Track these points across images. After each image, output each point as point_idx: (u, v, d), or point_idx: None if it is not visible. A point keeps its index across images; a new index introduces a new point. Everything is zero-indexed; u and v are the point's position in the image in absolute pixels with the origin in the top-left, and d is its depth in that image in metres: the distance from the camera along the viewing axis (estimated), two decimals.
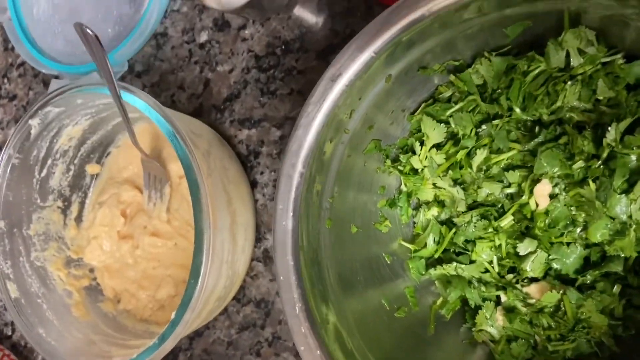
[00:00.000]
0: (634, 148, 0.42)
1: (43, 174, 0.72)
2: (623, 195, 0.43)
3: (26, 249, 0.71)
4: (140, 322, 0.73)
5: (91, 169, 0.77)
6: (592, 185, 0.44)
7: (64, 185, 0.75)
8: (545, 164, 0.45)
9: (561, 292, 0.49)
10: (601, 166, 0.44)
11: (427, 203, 0.56)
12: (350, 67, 0.42)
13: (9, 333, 0.89)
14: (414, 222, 0.58)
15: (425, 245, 0.56)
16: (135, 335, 0.71)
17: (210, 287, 0.59)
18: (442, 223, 0.55)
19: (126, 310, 0.74)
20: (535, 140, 0.47)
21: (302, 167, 0.44)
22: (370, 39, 0.42)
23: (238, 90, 0.73)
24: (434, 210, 0.55)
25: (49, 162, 0.71)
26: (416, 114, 0.53)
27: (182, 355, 0.76)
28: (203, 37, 0.75)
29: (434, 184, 0.53)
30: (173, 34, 0.78)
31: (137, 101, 0.58)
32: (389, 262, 0.56)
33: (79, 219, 0.77)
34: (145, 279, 0.74)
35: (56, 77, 0.86)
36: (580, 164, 0.44)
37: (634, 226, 0.43)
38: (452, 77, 0.50)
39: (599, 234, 0.45)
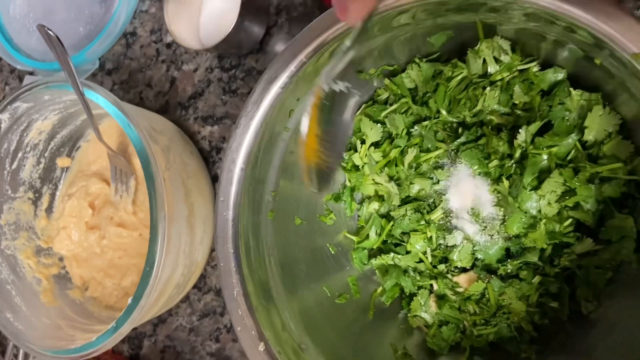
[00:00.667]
0: (544, 148, 0.46)
1: (14, 166, 0.75)
2: (533, 191, 0.47)
3: None
4: (105, 308, 0.77)
5: (61, 162, 0.80)
6: (506, 183, 0.48)
7: (34, 177, 0.78)
8: (463, 164, 0.49)
9: (486, 281, 0.53)
10: (514, 165, 0.48)
11: (369, 197, 0.59)
12: (285, 71, 0.46)
13: None
14: (358, 215, 0.62)
15: (367, 237, 0.60)
16: (100, 321, 0.74)
17: (166, 274, 0.63)
18: (382, 216, 0.59)
19: (93, 298, 0.78)
20: (459, 140, 0.51)
21: (242, 163, 0.48)
22: (303, 44, 0.45)
23: (202, 89, 0.77)
24: (375, 204, 0.59)
25: (20, 154, 0.75)
26: (357, 114, 0.57)
27: (146, 340, 0.79)
28: (170, 37, 0.78)
29: (373, 180, 0.57)
30: (142, 33, 0.81)
31: (99, 98, 0.62)
32: (333, 253, 0.60)
33: (49, 210, 0.80)
34: (112, 268, 0.77)
35: (31, 74, 0.89)
36: (495, 162, 0.48)
37: (543, 220, 0.47)
38: (386, 81, 0.54)
39: (515, 227, 0.49)
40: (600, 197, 0.46)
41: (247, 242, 0.49)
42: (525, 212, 0.47)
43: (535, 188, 0.47)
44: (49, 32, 0.56)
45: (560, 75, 0.47)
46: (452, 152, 0.52)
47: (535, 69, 0.48)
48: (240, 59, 0.74)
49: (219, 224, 0.48)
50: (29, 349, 0.66)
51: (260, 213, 0.51)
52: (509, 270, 0.53)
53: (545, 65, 0.49)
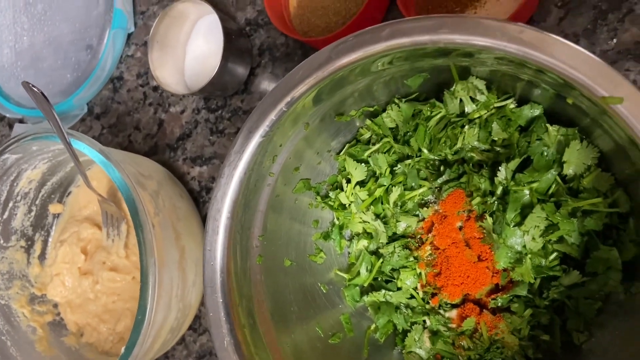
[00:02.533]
0: (525, 184, 0.47)
1: (5, 216, 0.75)
2: (516, 227, 0.47)
3: None
4: (101, 354, 0.76)
5: (54, 208, 0.80)
6: (489, 219, 0.48)
7: (26, 225, 0.78)
8: (447, 201, 0.49)
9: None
10: (496, 202, 0.48)
11: (358, 235, 0.60)
12: (265, 120, 0.46)
13: None
14: (349, 253, 0.62)
15: (358, 274, 0.60)
16: None
17: (159, 320, 0.63)
18: (372, 253, 0.59)
19: (88, 344, 0.78)
20: (442, 178, 0.51)
21: (228, 212, 0.48)
22: (281, 94, 0.46)
23: (190, 130, 0.77)
24: (364, 242, 0.59)
25: (11, 204, 0.75)
26: (341, 154, 0.58)
27: None
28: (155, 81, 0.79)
29: (360, 218, 0.57)
30: (128, 77, 0.82)
31: (85, 147, 0.62)
32: (324, 292, 0.60)
33: (42, 256, 0.81)
34: (106, 313, 0.77)
35: (21, 121, 0.90)
36: (477, 200, 0.49)
37: (529, 255, 0.48)
38: (368, 122, 0.55)
39: (501, 261, 0.49)
40: (584, 230, 0.46)
41: (236, 290, 0.49)
42: (511, 248, 0.48)
43: (519, 224, 0.47)
44: (34, 88, 0.57)
45: (537, 111, 0.48)
46: (436, 190, 0.53)
47: (512, 105, 0.49)
48: (226, 100, 0.75)
49: (207, 274, 0.48)
50: None
51: (249, 259, 0.52)
52: (499, 304, 0.53)
53: (521, 101, 0.49)
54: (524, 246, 0.47)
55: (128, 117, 0.82)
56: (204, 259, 0.48)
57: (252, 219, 0.52)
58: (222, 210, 0.48)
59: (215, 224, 0.48)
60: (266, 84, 0.72)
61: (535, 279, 0.50)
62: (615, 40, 0.54)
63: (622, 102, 0.35)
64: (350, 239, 0.62)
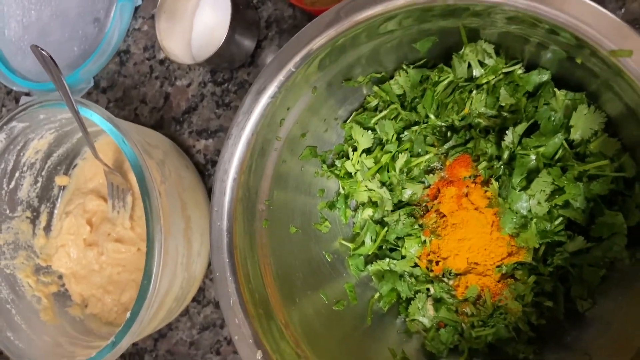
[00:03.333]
0: (531, 149, 0.47)
1: (11, 186, 0.76)
2: (522, 192, 0.47)
3: None
4: (105, 325, 0.77)
5: (60, 180, 0.81)
6: (495, 184, 0.49)
7: (32, 196, 0.79)
8: (453, 167, 0.49)
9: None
10: (502, 166, 0.49)
11: (363, 204, 0.60)
12: (273, 81, 0.47)
13: None
14: (353, 222, 0.62)
15: (363, 244, 0.60)
16: (100, 337, 0.74)
17: (164, 287, 0.63)
18: (376, 222, 0.59)
19: (93, 314, 0.78)
20: (448, 144, 0.52)
21: (235, 173, 0.49)
22: (290, 55, 0.46)
23: (196, 103, 0.77)
24: (369, 211, 0.59)
25: (17, 174, 0.75)
26: (347, 122, 0.58)
27: (147, 356, 0.79)
28: (162, 53, 0.80)
29: (366, 187, 0.57)
30: (135, 51, 0.82)
31: (93, 115, 0.62)
32: (329, 260, 0.60)
33: (47, 228, 0.81)
34: (111, 284, 0.77)
35: (27, 94, 0.90)
36: (484, 164, 0.49)
37: (534, 219, 0.48)
38: (375, 88, 0.55)
39: (507, 227, 0.49)
40: (589, 195, 0.46)
41: (242, 251, 0.50)
42: (516, 212, 0.48)
43: (525, 188, 0.47)
44: (43, 52, 0.57)
45: (545, 76, 0.48)
46: (443, 156, 0.53)
47: (520, 71, 0.49)
48: (232, 73, 0.75)
49: (213, 234, 0.49)
50: None
51: (255, 222, 0.52)
52: (503, 271, 0.53)
53: (529, 67, 0.50)
54: (530, 210, 0.47)
55: (134, 90, 0.82)
56: (210, 219, 0.49)
57: (258, 182, 0.52)
58: (230, 171, 0.49)
59: (222, 185, 0.49)
60: (272, 58, 0.72)
61: (540, 245, 0.50)
62: (623, 10, 0.54)
63: (631, 55, 0.35)
64: (355, 209, 0.62)
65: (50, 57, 0.58)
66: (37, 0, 0.88)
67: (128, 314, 0.60)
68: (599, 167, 0.45)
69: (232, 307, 0.48)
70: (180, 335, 0.77)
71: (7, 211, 0.76)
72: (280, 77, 0.46)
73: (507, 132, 0.47)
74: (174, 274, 0.65)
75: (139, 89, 0.81)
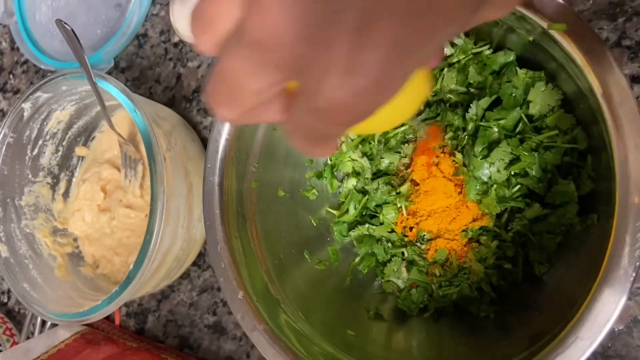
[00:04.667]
0: (493, 121, 0.52)
1: (35, 153, 0.83)
2: (484, 160, 0.52)
3: (17, 217, 0.82)
4: (113, 284, 0.84)
5: (79, 151, 0.88)
6: (459, 155, 0.54)
7: (53, 164, 0.86)
8: (424, 136, 0.55)
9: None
10: (467, 137, 0.54)
11: (348, 175, 0.65)
12: None
13: (5, 300, 1.00)
14: (339, 192, 0.68)
15: (347, 211, 0.65)
16: (108, 293, 0.81)
17: (165, 245, 0.69)
18: (359, 192, 0.65)
19: (103, 274, 0.85)
20: (420, 116, 0.57)
21: (227, 134, 0.55)
22: None
23: (205, 83, 0.84)
24: (353, 180, 0.64)
25: (40, 142, 0.83)
26: None
27: (150, 316, 0.86)
28: (177, 37, 0.86)
29: (350, 157, 0.63)
30: (152, 34, 0.89)
31: (109, 86, 0.69)
32: (315, 225, 0.66)
33: (65, 194, 0.88)
34: (120, 247, 0.84)
35: (53, 73, 0.97)
36: (450, 134, 0.54)
37: (494, 186, 0.53)
38: None
39: (471, 194, 0.54)
40: (544, 164, 0.51)
41: (232, 206, 0.55)
42: (478, 179, 0.53)
43: (486, 157, 0.52)
44: (66, 25, 0.64)
45: (510, 57, 0.53)
46: (416, 127, 0.58)
47: (488, 52, 0.54)
48: None
49: (206, 188, 0.55)
50: (39, 313, 0.73)
51: (245, 181, 0.58)
52: (469, 236, 0.58)
53: (497, 48, 0.55)
54: (490, 177, 0.52)
55: (150, 71, 0.89)
56: (204, 174, 0.55)
57: (249, 146, 0.58)
58: (222, 132, 0.55)
59: (215, 144, 0.55)
60: None
61: (502, 213, 0.55)
62: (591, 1, 0.59)
63: (565, 29, 0.40)
64: (342, 180, 0.68)
65: (73, 30, 0.65)
66: None
67: (131, 266, 0.66)
68: (552, 138, 0.50)
69: (220, 253, 0.53)
70: (181, 296, 0.83)
71: (30, 176, 0.84)
72: None
73: (471, 105, 0.52)
74: (175, 234, 0.71)
75: (154, 70, 0.88)
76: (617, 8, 0.57)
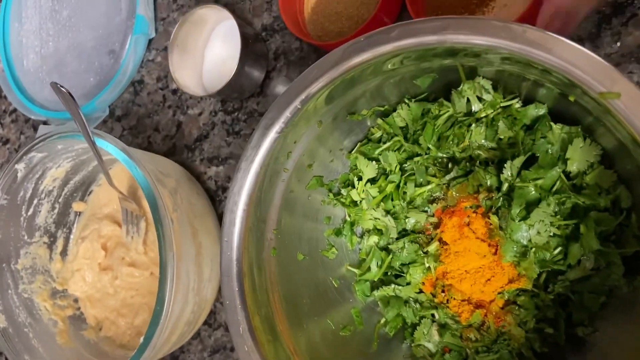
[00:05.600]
0: (530, 181, 0.49)
1: (30, 213, 0.78)
2: (522, 222, 0.49)
3: (14, 282, 0.77)
4: (119, 347, 0.79)
5: (77, 206, 0.84)
6: (494, 217, 0.50)
7: (49, 222, 0.81)
8: (455, 196, 0.51)
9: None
10: (501, 197, 0.50)
11: (369, 231, 0.62)
12: (280, 117, 0.49)
13: None
14: (359, 249, 0.64)
15: (369, 269, 0.62)
16: (114, 359, 0.76)
17: (176, 312, 0.65)
18: (382, 249, 0.61)
19: (107, 337, 0.80)
20: (450, 175, 0.53)
21: (244, 205, 0.51)
22: (296, 92, 0.48)
23: (207, 132, 0.80)
24: (374, 238, 0.61)
25: (35, 201, 0.78)
26: (353, 152, 0.60)
27: None
28: (175, 84, 0.82)
29: (371, 215, 0.59)
30: (149, 81, 0.85)
31: (108, 145, 0.65)
32: (336, 286, 0.62)
33: (64, 252, 0.84)
34: (124, 307, 0.80)
35: (45, 123, 0.93)
36: (483, 195, 0.51)
37: (533, 249, 0.49)
38: (379, 121, 0.57)
39: (507, 255, 0.51)
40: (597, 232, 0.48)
41: (251, 279, 0.52)
42: (516, 242, 0.49)
43: (524, 218, 0.49)
44: (62, 88, 0.60)
45: (542, 110, 0.50)
46: (445, 186, 0.55)
47: (517, 105, 0.51)
48: (242, 102, 0.78)
49: (223, 264, 0.51)
50: None
51: (263, 251, 0.54)
52: (506, 298, 0.54)
53: (526, 101, 0.51)
54: (530, 240, 0.49)
55: (148, 119, 0.85)
56: (221, 249, 0.51)
57: (267, 212, 0.54)
58: (239, 203, 0.51)
59: (232, 216, 0.51)
60: (281, 87, 0.75)
61: (540, 273, 0.52)
62: (619, 44, 0.56)
63: (619, 97, 0.37)
64: (362, 236, 0.64)
65: (69, 93, 0.61)
66: (55, 33, 0.91)
67: (141, 339, 0.62)
68: (594, 198, 0.47)
69: (242, 335, 0.49)
70: (192, 358, 0.79)
71: (26, 237, 0.79)
72: (287, 114, 0.49)
73: (505, 165, 0.49)
74: (186, 299, 0.67)
75: (152, 118, 0.84)
76: None
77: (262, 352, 0.50)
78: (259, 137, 0.50)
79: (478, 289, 0.55)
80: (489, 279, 0.54)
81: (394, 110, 0.57)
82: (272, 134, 0.50)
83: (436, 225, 0.56)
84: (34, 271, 0.80)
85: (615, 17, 0.56)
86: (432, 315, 0.59)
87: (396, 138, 0.56)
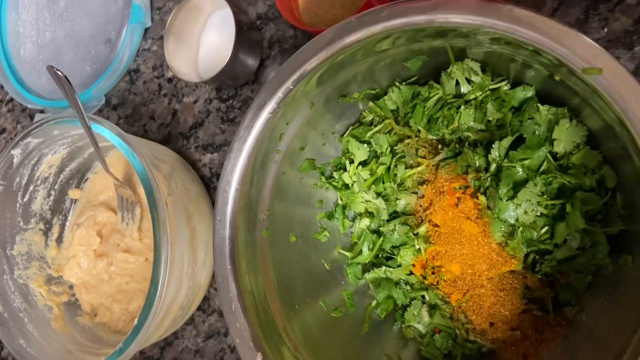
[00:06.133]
0: (517, 161, 0.50)
1: (25, 199, 0.79)
2: (509, 201, 0.50)
3: (10, 268, 0.78)
4: (114, 333, 0.80)
5: (73, 193, 0.84)
6: (482, 197, 0.51)
7: (45, 209, 0.82)
8: (444, 177, 0.52)
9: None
10: (489, 178, 0.51)
11: (360, 214, 0.63)
12: (272, 98, 0.50)
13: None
14: (351, 232, 0.65)
15: (360, 253, 0.63)
16: (109, 345, 0.77)
17: (170, 295, 0.66)
18: (373, 232, 0.62)
19: (102, 323, 0.81)
20: (439, 156, 0.54)
21: (237, 184, 0.52)
22: (288, 73, 0.49)
23: (202, 119, 0.81)
24: (366, 221, 0.62)
25: (31, 188, 0.79)
26: (344, 136, 0.61)
27: None
28: (170, 72, 0.83)
29: (363, 197, 0.60)
30: (145, 70, 0.86)
31: (104, 130, 0.66)
32: (328, 269, 0.63)
33: (59, 239, 0.84)
34: (119, 293, 0.80)
35: (41, 112, 0.94)
36: (472, 175, 0.52)
37: (520, 228, 0.50)
38: (370, 104, 0.58)
39: (495, 236, 0.52)
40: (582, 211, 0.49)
41: (244, 258, 0.52)
42: (504, 222, 0.50)
43: (511, 198, 0.50)
44: (58, 72, 0.61)
45: (529, 92, 0.51)
46: (434, 168, 0.55)
47: (506, 87, 0.52)
48: (237, 90, 0.78)
49: (216, 242, 0.51)
50: None
51: (256, 231, 0.55)
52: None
53: (515, 83, 0.52)
54: (517, 219, 0.50)
55: (144, 107, 0.85)
56: (214, 228, 0.51)
57: (259, 193, 0.55)
58: (232, 182, 0.51)
59: (225, 195, 0.52)
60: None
61: (528, 253, 0.53)
62: (606, 30, 0.57)
63: (601, 73, 0.38)
64: (353, 219, 0.65)
65: (65, 77, 0.61)
66: (52, 22, 0.92)
67: (135, 321, 0.63)
68: (579, 177, 0.48)
69: (234, 312, 0.50)
70: (186, 343, 0.79)
71: (21, 223, 0.80)
72: (279, 94, 0.50)
73: (493, 145, 0.50)
74: (180, 282, 0.68)
75: (148, 106, 0.85)
76: (634, 36, 0.56)
77: (254, 329, 0.51)
78: (251, 118, 0.51)
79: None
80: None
81: (385, 93, 0.57)
82: (264, 114, 0.51)
83: (426, 208, 0.57)
84: (30, 257, 0.81)
85: (603, 3, 0.57)
86: (423, 296, 0.60)
87: (387, 121, 0.57)
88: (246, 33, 0.72)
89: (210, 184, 0.79)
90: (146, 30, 0.86)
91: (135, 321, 0.63)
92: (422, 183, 0.57)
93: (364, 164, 0.60)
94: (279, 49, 0.75)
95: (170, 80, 0.84)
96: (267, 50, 0.76)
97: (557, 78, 0.44)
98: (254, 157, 0.52)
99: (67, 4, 0.91)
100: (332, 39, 0.47)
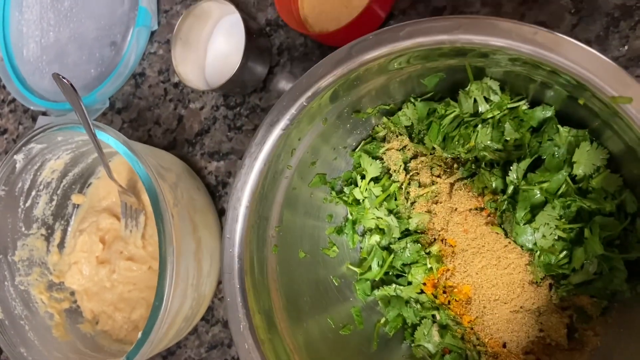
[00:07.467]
0: (536, 184, 0.48)
1: (27, 204, 0.78)
2: (527, 225, 0.48)
3: (11, 274, 0.76)
4: (115, 342, 0.78)
5: (76, 199, 0.83)
6: (497, 227, 0.50)
7: (47, 214, 0.81)
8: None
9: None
10: (506, 200, 0.50)
11: (370, 230, 0.61)
12: (285, 114, 0.48)
13: None
14: (361, 247, 0.64)
15: (370, 269, 0.61)
16: (110, 354, 0.76)
17: (175, 308, 0.64)
18: (383, 248, 0.61)
19: (103, 331, 0.80)
20: (454, 175, 0.53)
21: (247, 202, 0.50)
22: (302, 89, 0.48)
23: (208, 126, 0.79)
24: (376, 237, 0.60)
25: (33, 193, 0.77)
26: (356, 150, 0.60)
27: None
28: (177, 77, 0.82)
29: (374, 214, 0.59)
30: (150, 74, 0.84)
31: (109, 138, 0.64)
32: (337, 285, 0.61)
33: (61, 245, 0.83)
34: (121, 302, 0.79)
35: (44, 113, 0.92)
36: (488, 197, 0.50)
37: (538, 252, 0.49)
38: (384, 120, 0.57)
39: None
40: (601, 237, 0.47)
41: (252, 276, 0.51)
42: (521, 246, 0.49)
43: (529, 222, 0.48)
44: (64, 79, 0.60)
45: (549, 112, 0.50)
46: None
47: (524, 107, 0.50)
48: (244, 97, 0.77)
49: (225, 260, 0.50)
50: None
51: (265, 248, 0.54)
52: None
53: (533, 103, 0.51)
54: (535, 244, 0.49)
55: (148, 112, 0.84)
56: (222, 246, 0.50)
57: (269, 209, 0.54)
58: (242, 199, 0.50)
59: (235, 213, 0.50)
60: (284, 83, 0.74)
61: (544, 277, 0.52)
62: (626, 47, 0.55)
63: (631, 102, 0.36)
64: (363, 235, 0.64)
65: (71, 85, 0.60)
66: (56, 23, 0.90)
67: (139, 334, 0.62)
68: (599, 202, 0.46)
69: (242, 333, 0.49)
70: (189, 353, 0.78)
71: (23, 228, 0.78)
72: (292, 111, 0.48)
73: (511, 167, 0.49)
74: (185, 294, 0.66)
75: (153, 111, 0.84)
76: None
77: (262, 350, 0.50)
78: (263, 134, 0.49)
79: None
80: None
81: (399, 109, 0.56)
82: (276, 131, 0.49)
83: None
84: (31, 263, 0.80)
85: (624, 21, 0.56)
86: (433, 316, 0.58)
87: (401, 137, 0.56)
88: (255, 40, 0.71)
89: (215, 192, 0.78)
90: (152, 33, 0.84)
91: (139, 334, 0.62)
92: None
93: (375, 180, 0.58)
94: (289, 56, 0.74)
95: (176, 85, 0.82)
96: (276, 57, 0.75)
97: (580, 102, 0.43)
98: (265, 174, 0.51)
99: (71, 4, 0.89)
100: (348, 56, 0.46)
